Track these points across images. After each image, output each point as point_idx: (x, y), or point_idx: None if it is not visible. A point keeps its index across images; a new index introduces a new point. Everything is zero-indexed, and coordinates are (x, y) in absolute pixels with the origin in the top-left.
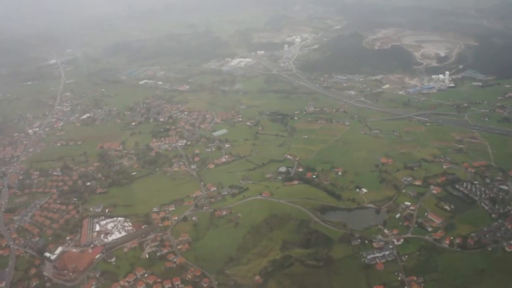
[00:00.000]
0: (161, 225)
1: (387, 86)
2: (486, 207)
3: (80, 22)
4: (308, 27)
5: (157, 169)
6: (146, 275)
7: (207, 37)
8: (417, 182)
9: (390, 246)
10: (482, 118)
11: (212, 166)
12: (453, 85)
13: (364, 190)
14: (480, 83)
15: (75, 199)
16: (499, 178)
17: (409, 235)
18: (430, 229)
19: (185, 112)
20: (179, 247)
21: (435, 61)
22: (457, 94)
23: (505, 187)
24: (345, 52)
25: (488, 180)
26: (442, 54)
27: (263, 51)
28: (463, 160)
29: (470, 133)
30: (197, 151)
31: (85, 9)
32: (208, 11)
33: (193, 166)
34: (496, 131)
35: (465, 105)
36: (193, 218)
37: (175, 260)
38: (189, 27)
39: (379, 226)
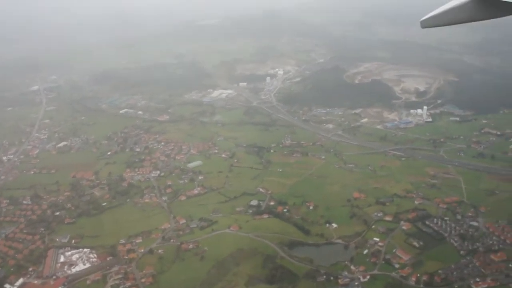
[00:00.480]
0: (126, 257)
1: (365, 120)
2: (455, 244)
3: (68, 49)
4: (292, 60)
5: (128, 200)
6: None
7: (192, 67)
8: (388, 218)
9: (356, 283)
10: (458, 153)
11: (183, 198)
12: (431, 119)
13: (334, 225)
14: (457, 118)
15: (42, 229)
16: (470, 214)
17: (375, 271)
18: (397, 265)
19: (162, 143)
20: (143, 280)
21: (414, 96)
22: (435, 129)
23: (475, 224)
24: (326, 86)
25: (459, 216)
26: (422, 88)
27: (245, 83)
28: (436, 195)
29: (445, 168)
30: (170, 183)
31: (74, 35)
32: (198, 41)
33: (164, 198)
34: (470, 167)
35: (442, 140)
36: (159, 251)
37: None
38: (176, 56)
39: (346, 262)
